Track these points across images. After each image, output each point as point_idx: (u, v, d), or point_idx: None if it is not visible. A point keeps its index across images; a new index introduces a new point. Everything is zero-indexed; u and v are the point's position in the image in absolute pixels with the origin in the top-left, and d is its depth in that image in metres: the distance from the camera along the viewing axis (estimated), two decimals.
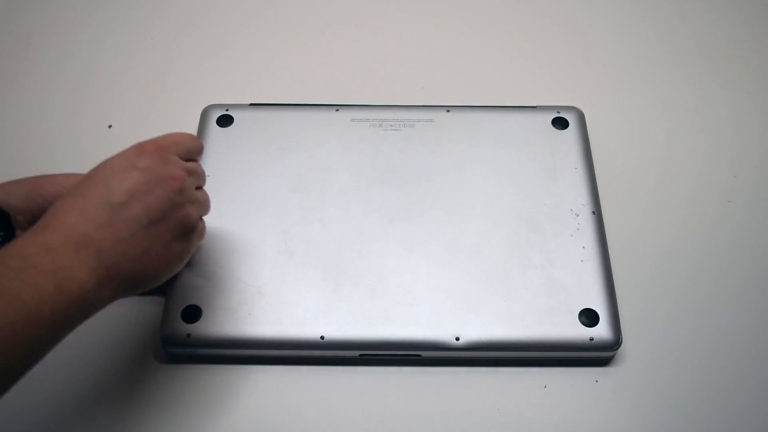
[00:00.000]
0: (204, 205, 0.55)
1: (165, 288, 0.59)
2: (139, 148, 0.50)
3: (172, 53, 0.81)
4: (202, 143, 0.56)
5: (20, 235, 0.46)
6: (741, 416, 0.58)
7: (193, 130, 0.71)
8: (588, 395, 0.58)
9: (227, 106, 0.71)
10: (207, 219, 0.64)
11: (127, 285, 0.47)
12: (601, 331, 0.58)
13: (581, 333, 0.58)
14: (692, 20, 0.83)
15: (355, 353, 0.59)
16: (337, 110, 0.71)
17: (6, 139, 0.73)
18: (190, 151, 0.54)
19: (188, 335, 0.58)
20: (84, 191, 0.47)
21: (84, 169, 0.70)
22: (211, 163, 0.67)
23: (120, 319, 0.61)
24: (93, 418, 0.57)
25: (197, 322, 0.59)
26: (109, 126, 0.74)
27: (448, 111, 0.71)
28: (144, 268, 0.48)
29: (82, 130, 0.74)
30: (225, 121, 0.70)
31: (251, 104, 0.72)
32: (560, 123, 0.70)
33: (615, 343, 0.58)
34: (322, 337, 0.58)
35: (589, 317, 0.59)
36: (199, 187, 0.55)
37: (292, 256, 0.62)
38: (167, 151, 0.51)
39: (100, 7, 0.85)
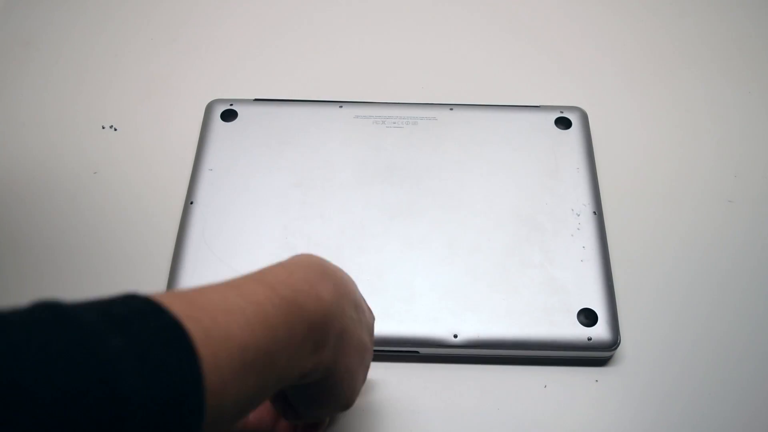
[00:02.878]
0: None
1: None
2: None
3: (176, 47, 0.81)
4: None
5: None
6: (740, 416, 0.58)
7: (197, 124, 0.71)
8: (588, 395, 0.59)
9: (231, 101, 0.72)
10: (209, 213, 0.64)
11: (328, 371, 0.44)
12: (600, 331, 0.58)
13: (580, 332, 0.58)
14: (694, 21, 0.83)
15: None
16: (340, 107, 0.71)
17: (6, 139, 0.74)
18: None
19: None
20: (350, 286, 0.47)
21: (84, 168, 0.71)
22: (214, 157, 0.68)
23: None
24: None
25: None
26: (114, 129, 0.74)
27: (451, 109, 0.71)
28: (348, 370, 0.45)
29: (83, 129, 0.74)
30: (229, 115, 0.71)
31: (255, 99, 0.72)
32: (563, 123, 0.70)
33: (613, 343, 0.58)
34: None
35: (587, 317, 0.59)
36: None
37: (292, 250, 0.62)
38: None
39: (101, 4, 0.85)
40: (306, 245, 0.62)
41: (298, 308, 0.39)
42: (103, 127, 0.73)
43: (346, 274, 0.47)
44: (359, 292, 0.48)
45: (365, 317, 0.48)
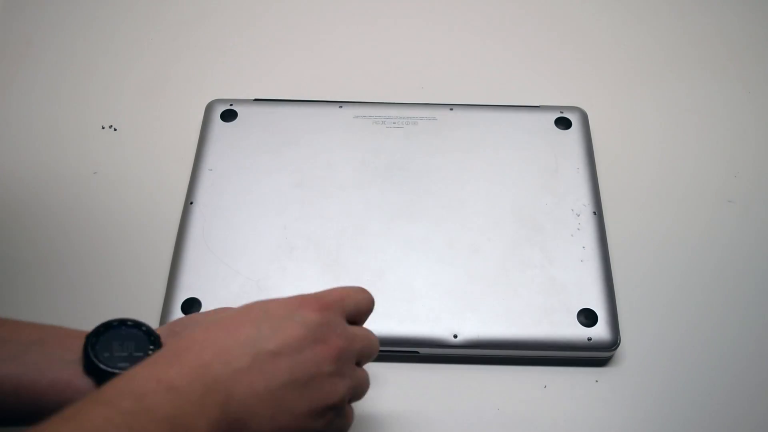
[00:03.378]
0: (359, 388, 0.46)
1: None
2: (302, 300, 0.43)
3: (176, 48, 0.81)
4: (373, 298, 0.48)
5: (139, 363, 0.40)
6: (740, 416, 0.58)
7: (197, 124, 0.71)
8: (588, 395, 0.59)
9: (231, 101, 0.72)
10: (209, 214, 0.64)
11: None
12: (600, 331, 0.58)
13: (579, 333, 0.58)
14: (694, 20, 0.83)
15: None
16: (340, 107, 0.71)
17: (6, 139, 0.74)
18: (359, 306, 0.47)
19: None
20: (228, 327, 0.41)
21: (85, 168, 0.71)
22: (214, 157, 0.68)
23: (119, 310, 0.61)
24: None
25: None
26: (114, 129, 0.74)
27: (451, 109, 0.71)
28: None
29: (83, 129, 0.74)
30: (229, 116, 0.71)
31: (255, 99, 0.72)
32: (563, 123, 0.70)
33: (613, 344, 0.58)
34: None
35: (587, 317, 0.59)
36: (359, 364, 0.47)
37: (292, 250, 0.62)
38: (332, 310, 0.44)
39: (101, 4, 0.85)
40: (306, 245, 0.62)
41: (146, 413, 0.36)
42: (103, 127, 0.73)
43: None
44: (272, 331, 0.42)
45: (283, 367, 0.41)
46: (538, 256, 0.62)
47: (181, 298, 0.60)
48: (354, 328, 0.45)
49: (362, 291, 0.47)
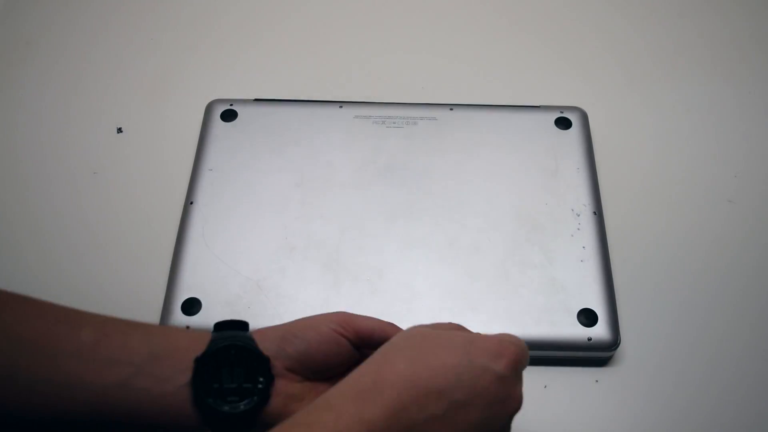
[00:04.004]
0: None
1: None
2: (500, 350, 0.43)
3: (176, 47, 0.81)
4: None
5: (340, 387, 0.42)
6: (739, 416, 0.58)
7: (197, 124, 0.71)
8: (588, 395, 0.59)
9: (231, 101, 0.72)
10: (209, 214, 0.64)
11: None
12: (600, 331, 0.58)
13: (579, 333, 0.58)
14: (694, 21, 0.83)
15: None
16: (340, 107, 0.71)
17: (6, 139, 0.74)
18: (524, 365, 0.47)
19: (187, 327, 0.58)
20: (431, 365, 0.42)
21: (85, 168, 0.71)
22: (214, 157, 0.68)
23: (119, 310, 0.61)
24: None
25: (197, 315, 0.59)
26: (120, 131, 0.74)
27: (451, 109, 0.71)
28: None
29: (83, 129, 0.74)
30: (229, 116, 0.71)
31: (255, 99, 0.72)
32: (563, 123, 0.70)
33: (613, 344, 0.58)
34: None
35: (587, 317, 0.59)
36: None
37: (292, 250, 0.62)
38: (521, 365, 0.45)
39: (101, 4, 0.85)
40: (306, 245, 0.62)
41: None
42: (118, 131, 0.73)
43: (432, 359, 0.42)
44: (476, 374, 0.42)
45: (471, 411, 0.42)
46: (538, 256, 0.62)
47: (181, 298, 0.60)
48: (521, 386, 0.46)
49: (524, 344, 0.47)
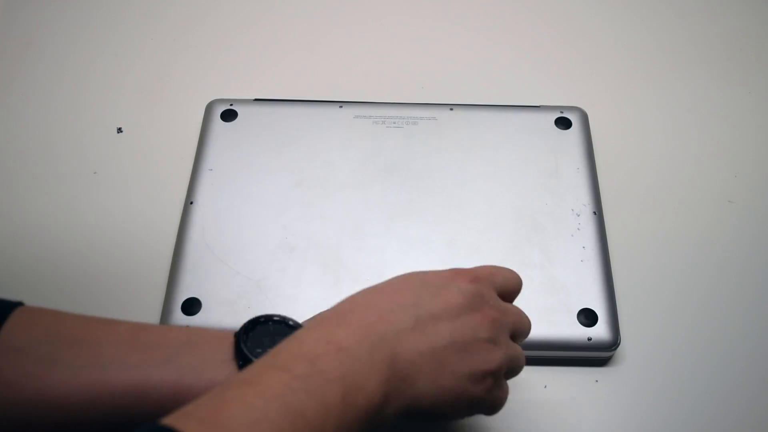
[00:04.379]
0: (514, 361, 0.46)
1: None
2: (455, 272, 0.45)
3: (176, 47, 0.81)
4: (521, 279, 0.49)
5: (304, 327, 0.42)
6: (739, 416, 0.58)
7: (197, 124, 0.71)
8: (588, 395, 0.59)
9: (231, 101, 0.72)
10: (209, 214, 0.64)
11: (409, 409, 0.41)
12: (600, 331, 0.58)
13: (579, 333, 0.58)
14: (694, 20, 0.83)
15: None
16: (340, 107, 0.71)
17: (6, 139, 0.74)
18: (508, 282, 0.48)
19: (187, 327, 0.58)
20: (388, 292, 0.43)
21: (85, 168, 0.71)
22: (214, 157, 0.68)
23: (119, 310, 0.61)
24: None
25: (197, 315, 0.59)
26: (120, 131, 0.74)
27: (451, 109, 0.71)
28: (432, 393, 0.41)
29: (83, 130, 0.74)
30: (229, 115, 0.71)
31: (255, 99, 0.72)
32: (563, 123, 0.70)
33: (613, 344, 0.58)
34: None
35: (587, 317, 0.59)
36: (514, 340, 0.47)
37: (292, 250, 0.62)
38: (484, 283, 0.45)
39: (101, 4, 0.85)
40: (306, 245, 0.62)
41: (320, 375, 0.37)
42: (118, 131, 0.73)
43: (399, 282, 0.44)
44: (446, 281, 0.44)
45: (445, 323, 0.43)
46: (538, 256, 0.62)
47: (181, 298, 0.60)
48: (505, 303, 0.47)
49: (511, 271, 0.49)
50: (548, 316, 0.59)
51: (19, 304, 0.45)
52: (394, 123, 0.70)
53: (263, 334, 0.45)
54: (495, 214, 0.64)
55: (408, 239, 0.63)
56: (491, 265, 0.48)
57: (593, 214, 0.64)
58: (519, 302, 0.59)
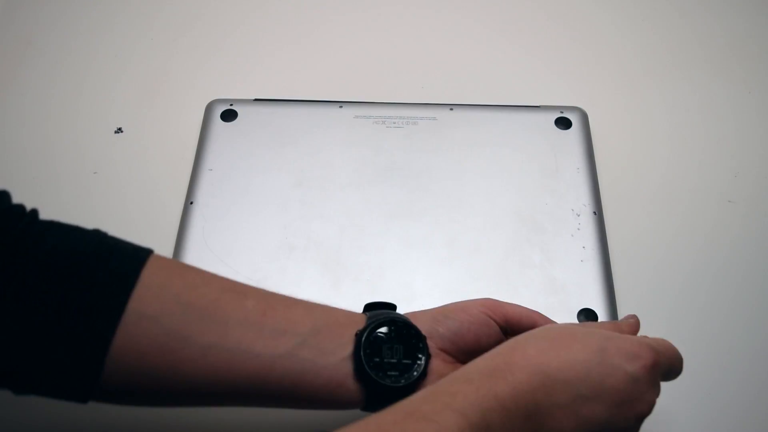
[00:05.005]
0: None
1: None
2: (639, 349, 0.44)
3: (176, 47, 0.81)
4: (682, 360, 0.48)
5: (475, 364, 0.43)
6: (740, 415, 0.58)
7: (197, 124, 0.71)
8: None
9: (231, 101, 0.72)
10: (209, 214, 0.64)
11: None
12: None
13: None
14: (694, 21, 0.83)
15: None
16: (340, 107, 0.71)
17: (6, 139, 0.73)
18: (676, 366, 0.48)
19: None
20: (561, 356, 0.42)
21: (85, 168, 0.71)
22: (214, 157, 0.68)
23: None
24: (95, 411, 0.57)
25: None
26: (120, 131, 0.74)
27: (451, 109, 0.71)
28: None
29: (83, 130, 0.74)
30: (229, 115, 0.71)
31: (255, 99, 0.72)
32: (563, 123, 0.70)
33: None
34: None
35: (587, 317, 0.59)
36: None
37: (292, 250, 0.62)
38: (659, 370, 0.45)
39: (101, 4, 0.85)
40: (306, 245, 0.62)
41: (487, 429, 0.39)
42: (117, 131, 0.73)
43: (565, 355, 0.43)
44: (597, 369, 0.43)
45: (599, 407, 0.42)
46: (538, 256, 0.62)
47: None
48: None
49: (677, 353, 0.48)
50: (548, 316, 0.58)
51: (150, 252, 0.46)
52: (394, 123, 0.70)
53: (383, 339, 0.46)
54: (495, 214, 0.64)
55: (408, 239, 0.63)
56: (669, 343, 0.47)
57: (593, 214, 0.64)
58: (519, 302, 0.59)
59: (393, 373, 0.45)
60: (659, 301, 0.63)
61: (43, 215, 0.68)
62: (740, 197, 0.69)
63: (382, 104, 0.71)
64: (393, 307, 0.50)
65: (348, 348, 0.45)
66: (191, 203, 0.65)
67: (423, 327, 0.47)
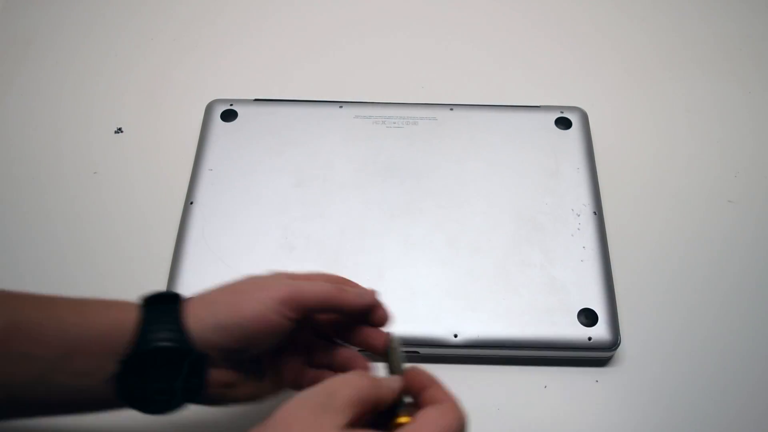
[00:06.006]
0: None
1: None
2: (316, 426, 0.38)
3: (176, 48, 0.81)
4: (365, 381, 0.42)
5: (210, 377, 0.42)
6: (739, 416, 0.58)
7: (197, 124, 0.71)
8: (588, 395, 0.59)
9: (231, 101, 0.72)
10: (209, 214, 0.64)
11: None
12: (600, 331, 0.58)
13: (580, 333, 0.58)
14: (694, 20, 0.83)
15: (354, 349, 0.59)
16: (340, 107, 0.71)
17: (6, 139, 0.74)
18: (361, 395, 0.40)
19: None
20: None
21: (85, 168, 0.71)
22: (214, 157, 0.68)
23: None
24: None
25: None
26: (121, 131, 0.74)
27: (451, 109, 0.71)
28: None
29: (83, 130, 0.74)
30: (229, 115, 0.71)
31: (255, 99, 0.72)
32: (563, 123, 0.70)
33: (613, 344, 0.58)
34: None
35: (588, 317, 0.59)
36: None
37: (292, 250, 0.62)
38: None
39: (101, 4, 0.85)
40: (306, 245, 0.62)
41: None
42: (116, 131, 0.73)
43: None
44: None
45: None
46: (538, 255, 0.62)
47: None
48: None
49: (360, 377, 0.42)
50: (548, 316, 0.59)
51: None
52: (394, 123, 0.70)
53: (151, 363, 0.42)
54: (495, 214, 0.64)
55: (408, 239, 0.63)
56: (335, 380, 0.41)
57: (593, 214, 0.64)
58: (519, 302, 0.59)
59: (162, 397, 0.42)
60: (659, 300, 0.63)
61: (43, 215, 0.68)
62: (740, 197, 0.69)
63: (382, 104, 0.71)
64: (174, 298, 0.45)
65: (109, 368, 0.42)
66: (191, 203, 0.65)
67: (207, 335, 0.43)
